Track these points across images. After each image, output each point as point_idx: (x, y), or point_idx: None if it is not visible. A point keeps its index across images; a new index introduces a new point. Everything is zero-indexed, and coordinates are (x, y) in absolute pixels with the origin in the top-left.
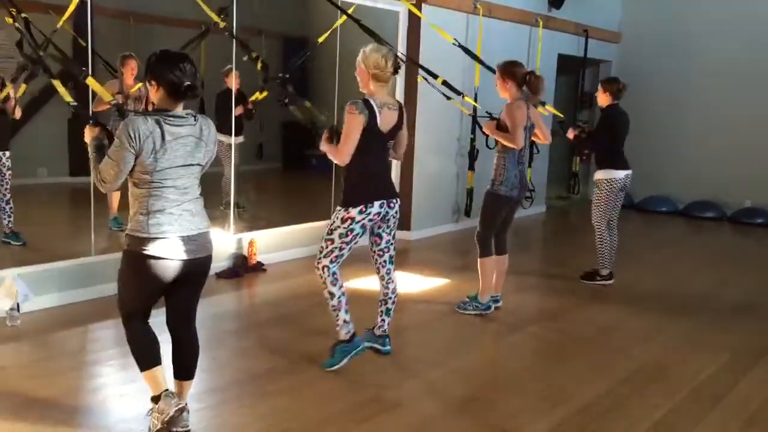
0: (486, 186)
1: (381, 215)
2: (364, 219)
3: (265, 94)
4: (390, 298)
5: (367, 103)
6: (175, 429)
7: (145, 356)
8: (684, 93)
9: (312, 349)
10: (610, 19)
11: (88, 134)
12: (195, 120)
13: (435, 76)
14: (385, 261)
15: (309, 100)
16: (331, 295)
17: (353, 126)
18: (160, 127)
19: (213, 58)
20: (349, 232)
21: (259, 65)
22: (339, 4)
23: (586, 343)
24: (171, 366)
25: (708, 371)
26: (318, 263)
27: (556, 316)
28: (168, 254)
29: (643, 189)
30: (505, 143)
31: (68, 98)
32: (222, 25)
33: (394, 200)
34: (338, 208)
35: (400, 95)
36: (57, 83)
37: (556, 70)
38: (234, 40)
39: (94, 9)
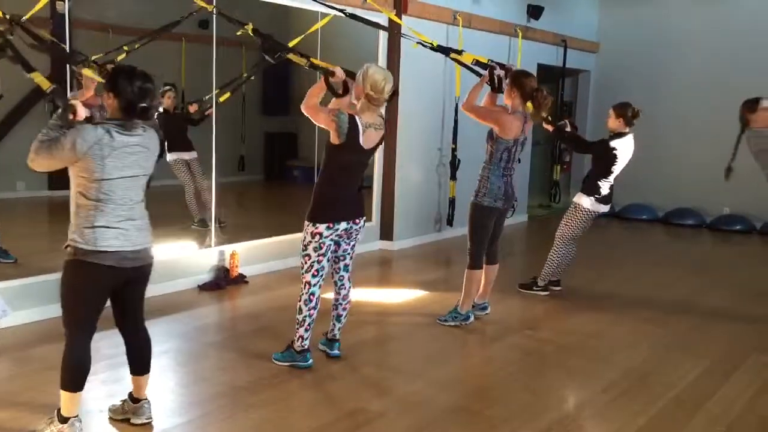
0: (470, 197)
1: (346, 230)
2: (331, 234)
3: (227, 95)
4: (341, 304)
5: (352, 120)
6: (139, 421)
7: (75, 379)
8: (662, 102)
9: None
10: (588, 29)
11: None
12: (144, 130)
13: (430, 44)
14: (339, 267)
15: (290, 111)
16: (300, 310)
17: (323, 114)
18: (109, 135)
19: (192, 67)
20: (321, 245)
21: (251, 32)
22: (323, 11)
23: (569, 350)
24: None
25: (689, 377)
26: (302, 278)
27: (538, 325)
28: (112, 263)
29: (624, 197)
30: (468, 96)
31: (46, 85)
32: (210, 8)
33: (361, 218)
34: (306, 222)
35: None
36: (35, 74)
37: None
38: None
39: (73, 21)
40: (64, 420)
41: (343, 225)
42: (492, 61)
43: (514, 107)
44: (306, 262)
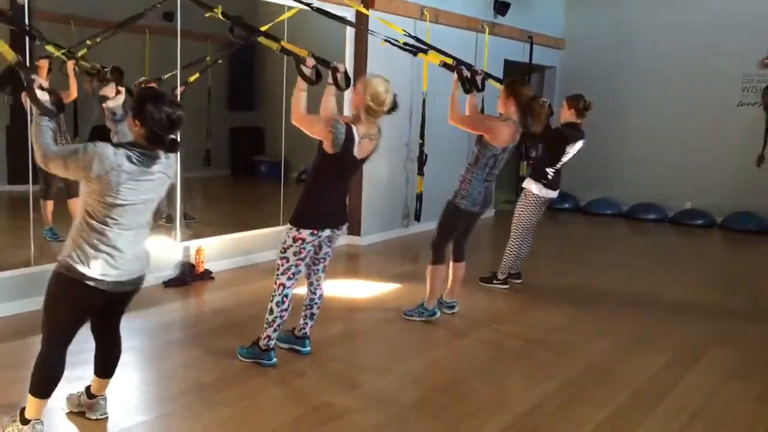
0: (449, 195)
1: (329, 236)
2: (314, 240)
3: (196, 76)
4: (316, 303)
5: (349, 130)
6: (94, 416)
7: (46, 387)
8: (626, 98)
9: None
10: (553, 25)
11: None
12: (166, 157)
13: (396, 41)
14: (318, 269)
15: (257, 105)
16: (270, 311)
17: (319, 125)
18: (130, 162)
19: (157, 60)
20: (302, 250)
21: (220, 15)
22: (289, 4)
23: (534, 344)
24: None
25: (652, 370)
26: (276, 279)
27: (504, 319)
28: (106, 288)
29: (588, 192)
30: (450, 109)
31: (11, 56)
32: None
33: (343, 225)
34: (289, 225)
35: (348, 102)
36: None
37: (502, 75)
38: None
39: (33, 12)
40: (25, 422)
41: (327, 232)
42: (457, 62)
43: (507, 115)
44: (283, 265)
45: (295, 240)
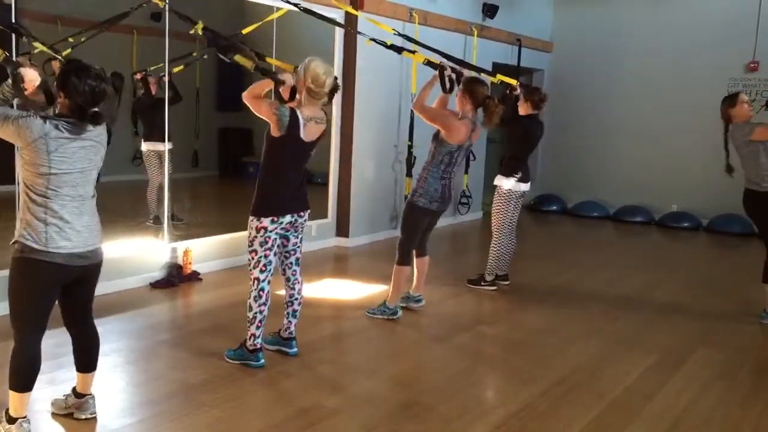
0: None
1: (291, 223)
2: (276, 228)
3: (181, 67)
4: (296, 299)
5: (293, 113)
6: (83, 416)
7: (25, 379)
8: (614, 101)
9: None
10: (542, 28)
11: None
12: (94, 126)
13: (383, 42)
14: (291, 263)
15: (245, 106)
16: (249, 307)
17: (265, 107)
18: (58, 130)
19: (145, 60)
20: (267, 239)
21: (201, 32)
22: (278, 5)
23: (522, 345)
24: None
25: (639, 371)
26: (250, 274)
27: (491, 321)
28: (62, 261)
29: (575, 194)
30: (418, 96)
31: None
32: (162, 3)
33: (305, 211)
34: (251, 217)
35: (337, 104)
36: None
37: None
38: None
39: (19, 11)
40: (12, 420)
41: (287, 218)
42: (443, 63)
43: (464, 113)
44: (253, 258)
45: (257, 230)
